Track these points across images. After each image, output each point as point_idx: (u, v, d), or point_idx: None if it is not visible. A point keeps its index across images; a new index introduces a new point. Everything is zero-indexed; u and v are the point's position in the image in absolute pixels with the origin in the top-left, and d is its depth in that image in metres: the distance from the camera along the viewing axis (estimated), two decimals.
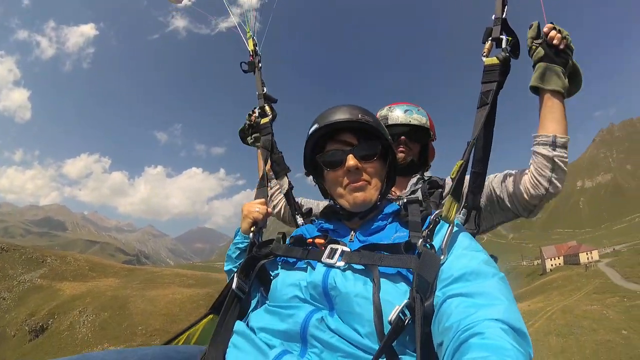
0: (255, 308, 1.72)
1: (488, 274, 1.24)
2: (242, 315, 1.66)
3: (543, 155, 1.85)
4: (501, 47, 1.82)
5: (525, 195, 1.94)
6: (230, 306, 1.60)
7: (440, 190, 2.30)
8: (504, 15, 1.88)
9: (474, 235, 1.69)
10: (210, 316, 1.80)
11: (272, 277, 1.71)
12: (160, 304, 64.26)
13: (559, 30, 1.86)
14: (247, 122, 2.84)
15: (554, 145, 1.83)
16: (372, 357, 1.22)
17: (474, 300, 1.14)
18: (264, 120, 2.68)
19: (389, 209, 1.74)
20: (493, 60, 1.77)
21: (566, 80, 1.87)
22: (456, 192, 1.49)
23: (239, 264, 1.83)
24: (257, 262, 1.75)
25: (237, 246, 2.11)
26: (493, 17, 1.89)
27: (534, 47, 1.92)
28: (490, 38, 1.86)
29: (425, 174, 2.66)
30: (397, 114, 2.65)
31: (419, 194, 2.36)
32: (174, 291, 71.53)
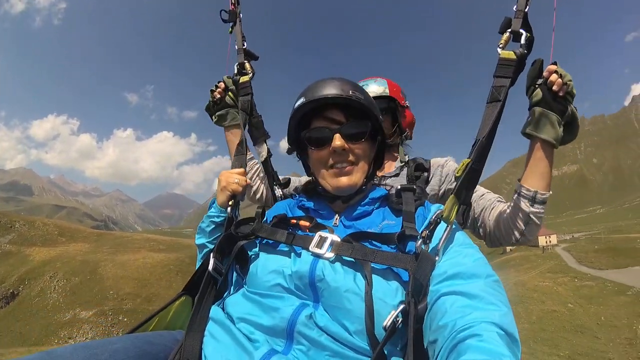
0: (231, 291, 1.65)
1: (483, 274, 1.23)
2: (218, 298, 1.59)
3: (520, 209, 1.84)
4: (519, 41, 1.69)
5: (498, 236, 1.98)
6: (207, 290, 1.53)
7: (426, 174, 2.32)
8: (527, 9, 1.74)
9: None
10: (183, 297, 1.72)
11: (250, 258, 1.60)
12: (130, 268, 64.79)
13: (561, 74, 1.73)
14: (211, 99, 2.56)
15: (532, 201, 1.82)
16: (360, 356, 1.21)
17: (470, 300, 1.13)
18: (243, 79, 2.42)
19: (375, 193, 1.67)
20: (510, 54, 1.64)
21: (560, 130, 1.77)
22: (459, 192, 1.48)
23: (215, 240, 1.82)
24: (236, 242, 1.62)
25: (212, 220, 1.95)
26: (515, 8, 1.75)
27: (532, 88, 1.81)
28: (509, 30, 1.71)
29: (406, 142, 2.71)
30: None
31: (402, 177, 2.39)
32: (145, 256, 71.91)
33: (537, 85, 1.78)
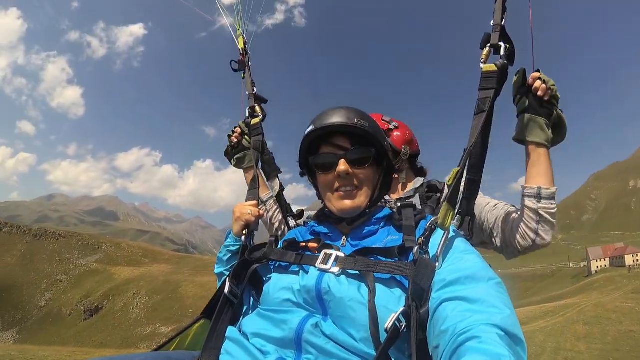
0: (248, 313, 1.69)
1: (484, 278, 1.24)
2: (235, 321, 1.65)
3: (529, 208, 1.85)
4: (499, 54, 1.76)
5: (516, 245, 1.95)
6: (223, 311, 1.60)
7: (439, 195, 2.35)
8: (503, 22, 1.83)
9: (468, 241, 1.75)
10: (202, 321, 1.79)
11: (264, 281, 1.67)
12: (210, 288, 65.45)
13: (544, 80, 1.80)
14: (229, 144, 2.77)
15: (538, 197, 1.83)
16: None
17: (470, 304, 1.13)
18: (254, 121, 2.61)
19: (380, 213, 1.72)
20: (491, 67, 1.72)
21: (549, 132, 1.83)
22: (452, 199, 1.50)
23: (231, 268, 1.85)
24: (250, 266, 1.72)
25: (229, 249, 2.07)
26: (492, 23, 1.84)
27: (518, 96, 1.87)
28: (488, 44, 1.80)
29: (419, 160, 2.79)
30: None
31: (416, 198, 2.39)
32: None
33: (523, 93, 1.87)
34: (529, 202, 1.85)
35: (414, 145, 2.74)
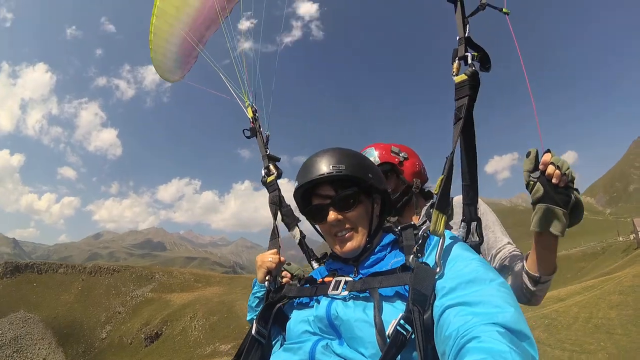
0: (275, 350, 1.78)
1: (485, 279, 1.26)
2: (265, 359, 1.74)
3: (527, 286, 1.95)
4: (468, 63, 1.81)
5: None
6: (251, 352, 1.71)
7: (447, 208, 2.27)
8: (466, 34, 1.89)
9: (478, 245, 1.89)
10: None
11: (288, 318, 1.77)
12: None
13: (558, 165, 1.62)
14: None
15: (536, 282, 1.90)
16: None
17: (472, 308, 1.16)
18: (270, 179, 2.78)
19: (386, 239, 1.76)
20: (462, 77, 1.75)
21: (566, 222, 1.67)
22: (441, 204, 1.53)
23: (258, 312, 1.93)
24: (274, 307, 1.82)
25: (256, 295, 2.20)
26: (457, 37, 1.90)
27: (531, 182, 1.70)
28: (457, 57, 1.86)
29: (426, 187, 2.82)
30: None
31: (426, 220, 2.30)
32: None
33: (536, 180, 1.69)
34: (528, 283, 1.94)
35: (423, 175, 2.80)
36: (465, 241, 1.82)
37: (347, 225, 1.72)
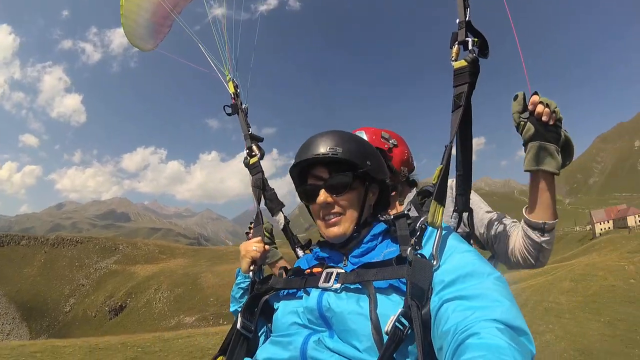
0: (263, 344, 1.69)
1: (482, 273, 1.25)
2: (251, 354, 1.65)
3: (532, 239, 1.87)
4: (468, 49, 1.73)
5: (516, 263, 2.01)
6: (236, 346, 1.65)
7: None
8: (467, 18, 1.79)
9: (469, 235, 1.87)
10: (220, 358, 1.75)
11: (274, 310, 1.70)
12: (229, 277, 68.58)
13: (547, 104, 1.69)
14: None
15: (542, 231, 1.83)
16: None
17: (470, 302, 1.14)
18: (252, 160, 2.65)
19: (377, 229, 1.69)
20: (461, 63, 1.69)
21: (560, 158, 1.73)
22: (439, 195, 1.49)
23: (243, 304, 1.85)
24: (260, 299, 1.75)
25: (239, 286, 2.10)
26: (457, 21, 1.81)
27: (522, 122, 1.75)
28: (456, 42, 1.76)
29: (412, 174, 2.74)
30: None
31: (412, 210, 2.36)
32: (240, 265, 74.73)
33: (526, 120, 1.74)
34: (533, 235, 1.86)
35: (411, 164, 2.75)
36: (456, 231, 1.77)
37: (336, 210, 1.67)
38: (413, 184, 2.74)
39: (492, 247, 2.20)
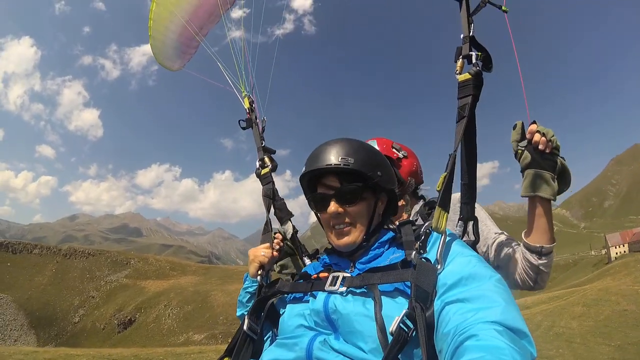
0: (266, 346, 1.73)
1: (484, 276, 1.27)
2: (256, 356, 1.66)
3: (530, 262, 1.90)
4: (472, 62, 1.79)
5: (517, 285, 2.03)
6: (242, 347, 1.67)
7: None
8: (471, 33, 1.86)
9: (474, 243, 1.85)
10: (226, 359, 1.77)
11: (280, 313, 1.74)
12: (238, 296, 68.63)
13: (543, 132, 1.75)
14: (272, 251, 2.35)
15: (540, 254, 1.87)
16: None
17: (470, 305, 1.16)
18: (264, 171, 2.70)
19: (385, 236, 1.72)
20: (466, 76, 1.75)
21: (555, 185, 1.78)
22: (443, 202, 1.51)
23: (250, 307, 1.88)
24: (267, 302, 1.77)
25: (247, 290, 2.11)
26: (461, 36, 1.88)
27: (519, 151, 1.82)
28: (461, 56, 1.83)
29: (420, 188, 2.77)
30: None
31: (419, 220, 2.42)
32: None
33: (523, 148, 1.81)
34: (531, 258, 1.90)
35: (419, 177, 2.75)
36: (462, 239, 1.80)
37: (347, 220, 1.68)
38: (420, 198, 2.76)
39: (493, 266, 2.17)
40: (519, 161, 1.83)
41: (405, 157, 2.66)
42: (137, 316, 74.03)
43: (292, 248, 2.53)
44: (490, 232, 2.31)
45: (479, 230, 1.93)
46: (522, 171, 1.83)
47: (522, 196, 1.85)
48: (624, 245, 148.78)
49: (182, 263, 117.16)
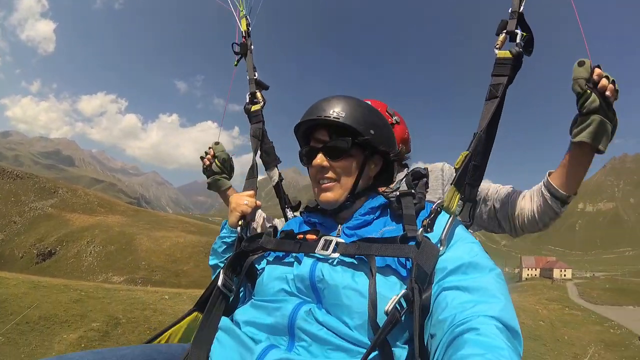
0: (242, 304, 1.60)
1: (485, 268, 1.23)
2: (229, 313, 1.57)
3: (552, 209, 1.84)
4: (515, 41, 1.63)
5: (523, 227, 2.00)
6: (215, 304, 1.54)
7: (425, 179, 2.21)
8: (521, 9, 1.69)
9: (467, 227, 1.71)
10: (195, 314, 1.71)
11: (258, 273, 1.60)
12: (164, 244, 69.48)
13: (612, 80, 1.59)
14: (203, 166, 2.57)
15: (564, 203, 1.81)
16: (361, 349, 1.18)
17: (470, 295, 1.13)
18: (254, 108, 2.48)
19: (374, 202, 1.63)
20: (506, 53, 1.60)
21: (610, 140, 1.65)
22: (459, 182, 1.46)
23: (226, 260, 1.80)
24: (246, 258, 1.65)
25: (224, 240, 1.97)
26: (510, 10, 1.71)
27: (588, 91, 1.59)
28: (504, 31, 1.66)
29: (406, 156, 2.69)
30: None
31: (403, 186, 2.32)
32: (177, 235, 76.62)
33: (591, 90, 1.59)
34: (554, 204, 1.84)
35: (409, 145, 2.75)
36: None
37: (331, 175, 1.61)
38: (404, 166, 2.63)
39: (496, 217, 2.16)
40: (582, 103, 1.63)
41: (397, 122, 2.63)
42: (57, 249, 71.57)
43: (221, 167, 2.52)
44: (492, 186, 2.26)
45: (480, 187, 1.87)
46: (584, 115, 1.65)
47: (579, 141, 1.68)
48: (536, 269, 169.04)
49: (111, 201, 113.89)
